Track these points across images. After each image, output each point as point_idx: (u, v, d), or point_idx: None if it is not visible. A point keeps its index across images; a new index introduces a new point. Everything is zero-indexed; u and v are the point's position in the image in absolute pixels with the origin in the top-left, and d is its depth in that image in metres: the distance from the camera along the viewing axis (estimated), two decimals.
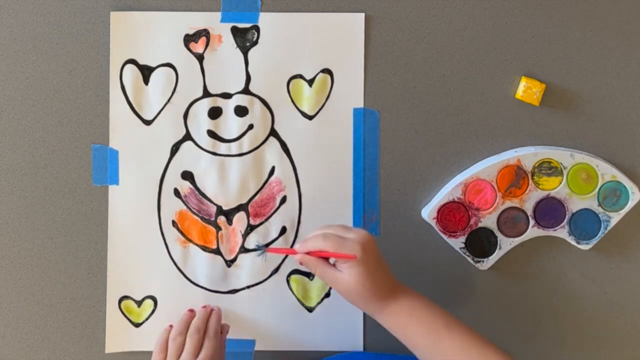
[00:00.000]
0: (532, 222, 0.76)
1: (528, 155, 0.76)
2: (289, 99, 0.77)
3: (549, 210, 0.77)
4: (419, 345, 0.66)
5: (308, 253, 0.67)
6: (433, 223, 0.76)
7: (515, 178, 0.76)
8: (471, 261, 0.77)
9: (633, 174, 0.77)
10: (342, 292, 0.67)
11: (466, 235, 0.76)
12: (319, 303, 0.78)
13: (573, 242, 0.77)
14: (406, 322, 0.67)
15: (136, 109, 0.77)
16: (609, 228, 0.77)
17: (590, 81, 0.78)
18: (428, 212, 0.76)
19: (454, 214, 0.76)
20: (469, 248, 0.77)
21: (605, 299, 0.78)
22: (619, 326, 0.79)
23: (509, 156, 0.76)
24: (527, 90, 0.76)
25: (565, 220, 0.77)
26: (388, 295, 0.67)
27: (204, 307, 0.75)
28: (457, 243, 0.77)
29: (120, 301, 0.77)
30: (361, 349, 0.77)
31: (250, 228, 0.77)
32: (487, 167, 0.76)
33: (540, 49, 0.77)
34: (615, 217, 0.77)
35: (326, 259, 0.67)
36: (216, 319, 0.74)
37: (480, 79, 0.77)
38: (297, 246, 0.68)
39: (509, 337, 0.78)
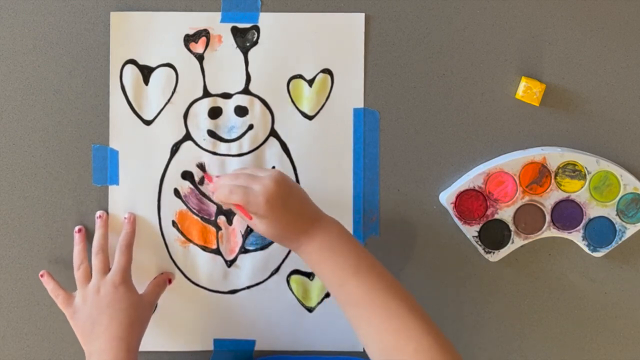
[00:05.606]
0: (548, 221, 0.76)
1: (554, 155, 0.75)
2: (289, 99, 0.77)
3: (567, 213, 0.76)
4: (328, 285, 0.68)
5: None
6: (450, 208, 0.76)
7: (539, 175, 0.76)
8: (482, 251, 0.76)
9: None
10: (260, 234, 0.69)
11: (481, 225, 0.76)
12: (319, 303, 0.78)
13: (584, 248, 0.76)
14: (317, 260, 0.68)
15: (136, 109, 0.77)
16: (623, 239, 0.76)
17: (591, 81, 0.78)
18: (447, 197, 0.76)
19: (473, 202, 0.76)
20: (481, 238, 0.76)
21: (605, 299, 0.78)
22: (618, 326, 0.79)
23: (535, 153, 0.76)
24: (527, 90, 0.76)
25: (581, 225, 0.76)
26: (302, 234, 0.68)
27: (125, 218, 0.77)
28: (471, 231, 0.76)
29: None
30: (361, 349, 0.77)
31: (250, 228, 0.77)
32: (511, 160, 0.75)
33: (540, 49, 0.77)
34: (631, 229, 0.76)
35: None
36: (126, 232, 0.75)
37: (480, 79, 0.77)
38: (212, 188, 0.72)
39: (508, 334, 0.78)
